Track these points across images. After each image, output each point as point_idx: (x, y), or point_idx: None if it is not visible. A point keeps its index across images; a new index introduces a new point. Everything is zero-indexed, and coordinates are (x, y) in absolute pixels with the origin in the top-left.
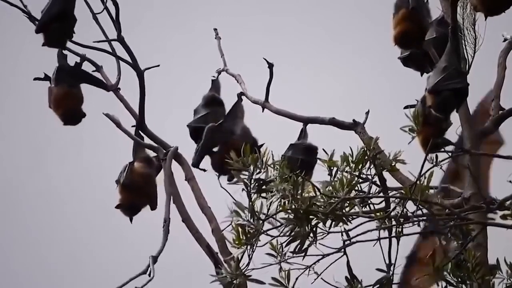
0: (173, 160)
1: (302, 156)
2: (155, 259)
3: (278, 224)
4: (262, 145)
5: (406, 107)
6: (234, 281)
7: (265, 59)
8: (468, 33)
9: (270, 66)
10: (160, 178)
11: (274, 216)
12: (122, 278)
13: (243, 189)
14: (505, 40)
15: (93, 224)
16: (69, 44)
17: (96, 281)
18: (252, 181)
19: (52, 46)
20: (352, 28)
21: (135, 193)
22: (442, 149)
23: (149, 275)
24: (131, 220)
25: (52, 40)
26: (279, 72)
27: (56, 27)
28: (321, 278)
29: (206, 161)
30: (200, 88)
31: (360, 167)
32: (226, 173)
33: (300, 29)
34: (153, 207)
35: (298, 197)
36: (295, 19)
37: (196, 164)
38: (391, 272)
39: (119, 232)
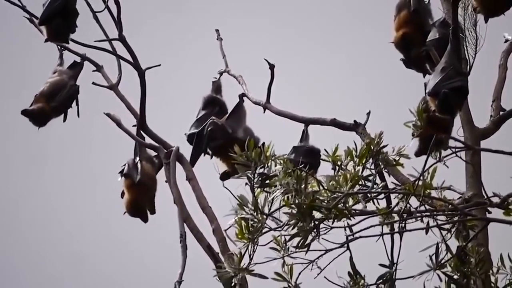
0: None
1: (305, 159)
2: (180, 283)
3: (281, 219)
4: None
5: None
6: (236, 277)
7: (266, 60)
8: (469, 34)
9: (272, 67)
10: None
11: (278, 211)
12: None
13: (246, 184)
14: (506, 41)
15: (92, 224)
16: (70, 44)
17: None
18: (256, 176)
19: (56, 41)
20: (354, 28)
21: (142, 195)
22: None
23: None
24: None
25: (55, 35)
26: (280, 73)
27: (58, 22)
28: (324, 275)
29: (206, 161)
30: (201, 88)
31: (364, 161)
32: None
33: (301, 29)
34: (153, 211)
35: (302, 191)
36: (296, 19)
37: (192, 162)
38: (394, 268)
39: (118, 232)
